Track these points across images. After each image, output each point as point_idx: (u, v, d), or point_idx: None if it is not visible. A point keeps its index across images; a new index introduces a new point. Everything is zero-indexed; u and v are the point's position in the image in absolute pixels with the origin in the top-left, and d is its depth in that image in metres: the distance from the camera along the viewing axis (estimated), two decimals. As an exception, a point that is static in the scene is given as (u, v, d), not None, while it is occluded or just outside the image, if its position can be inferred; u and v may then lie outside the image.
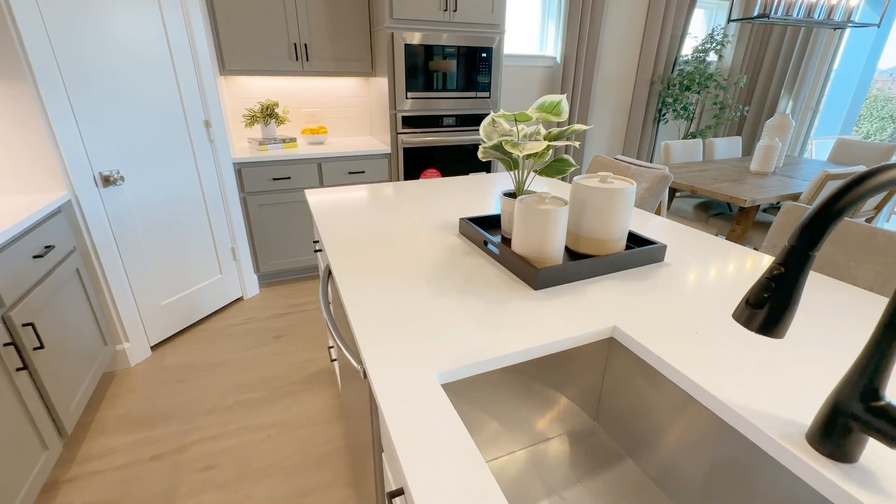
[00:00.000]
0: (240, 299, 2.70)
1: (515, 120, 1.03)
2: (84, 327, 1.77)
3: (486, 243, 1.15)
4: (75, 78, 1.71)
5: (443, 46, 2.66)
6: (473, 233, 1.19)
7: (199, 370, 2.07)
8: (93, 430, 1.72)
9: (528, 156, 1.07)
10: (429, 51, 2.64)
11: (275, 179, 2.58)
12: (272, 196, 2.62)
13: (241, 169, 2.50)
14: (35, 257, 1.48)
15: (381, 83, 2.79)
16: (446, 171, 2.99)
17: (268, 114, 2.69)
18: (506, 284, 0.96)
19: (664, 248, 1.09)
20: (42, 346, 1.40)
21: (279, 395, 1.91)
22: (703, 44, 3.98)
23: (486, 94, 2.89)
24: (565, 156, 1.16)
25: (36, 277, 1.47)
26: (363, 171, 2.78)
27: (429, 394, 0.63)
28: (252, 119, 2.68)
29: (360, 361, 0.77)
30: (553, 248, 0.97)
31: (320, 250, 1.57)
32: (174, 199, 2.18)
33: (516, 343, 0.75)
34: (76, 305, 1.73)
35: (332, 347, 1.82)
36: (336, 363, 1.76)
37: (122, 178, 1.89)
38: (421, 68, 2.66)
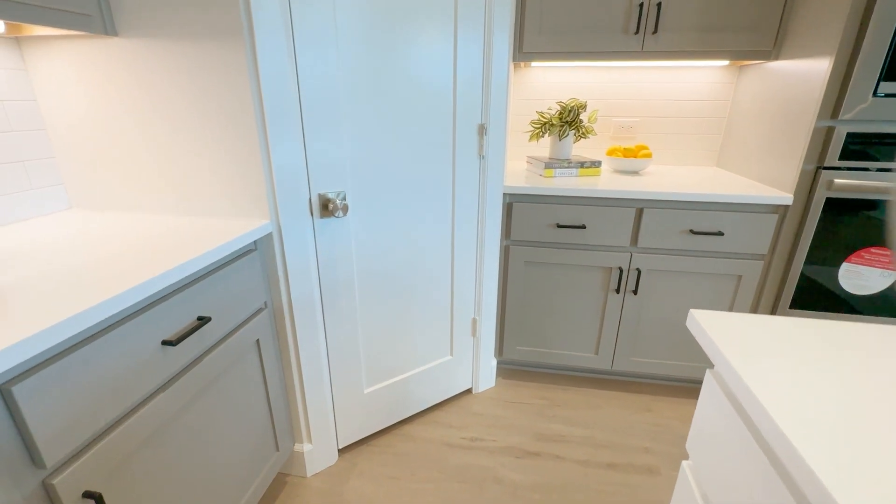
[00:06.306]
0: (467, 392, 1.81)
1: None
2: (248, 430, 1.11)
3: None
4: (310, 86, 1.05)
5: None
6: None
7: (382, 538, 1.21)
8: None
9: None
10: (972, -14, 1.12)
11: (560, 227, 1.56)
12: (550, 252, 1.61)
13: (512, 203, 1.58)
14: (165, 344, 0.81)
15: (785, 72, 1.42)
16: (914, 257, 1.37)
17: (568, 120, 1.70)
18: None
19: None
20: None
21: None
22: None
23: None
24: None
25: (148, 388, 0.80)
26: (720, 233, 1.47)
27: None
28: (542, 128, 1.74)
29: None
30: None
31: None
32: (411, 241, 1.40)
33: None
34: (241, 398, 1.08)
35: None
36: None
37: (344, 207, 1.17)
38: (930, 30, 1.17)
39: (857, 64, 1.23)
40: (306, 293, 1.21)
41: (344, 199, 1.18)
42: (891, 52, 1.20)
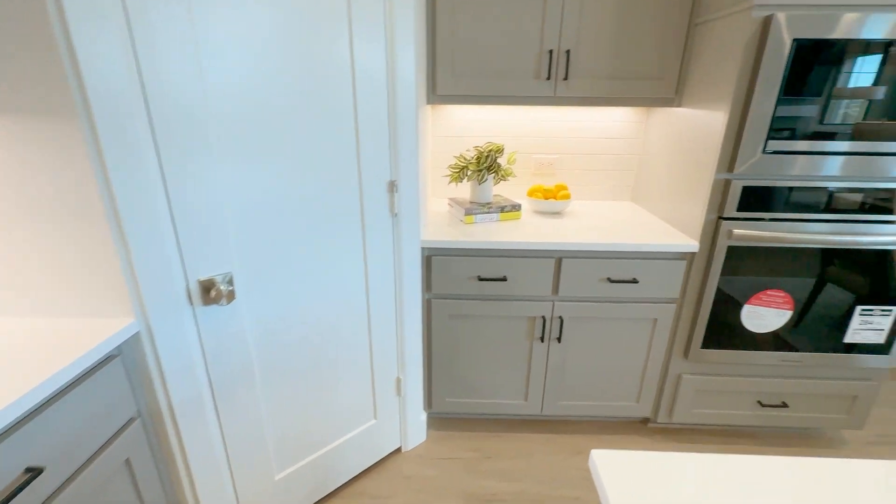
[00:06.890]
0: (397, 451, 1.71)
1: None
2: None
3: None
4: (168, 113, 0.90)
5: (883, 43, 1.19)
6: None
7: None
8: None
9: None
10: (840, 54, 1.20)
11: (481, 280, 1.51)
12: (473, 304, 1.55)
13: (430, 257, 1.50)
14: (-31, 522, 0.64)
15: (688, 119, 1.47)
16: (804, 301, 1.46)
17: (486, 165, 1.65)
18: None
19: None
20: None
21: None
22: None
23: (964, 149, 1.27)
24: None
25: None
26: (635, 281, 1.48)
27: None
28: (460, 173, 1.68)
29: None
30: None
31: None
32: (319, 311, 1.28)
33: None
34: (107, 535, 0.91)
35: None
36: None
37: (230, 294, 1.03)
38: (807, 91, 1.24)
39: (748, 121, 1.28)
40: (191, 392, 1.05)
41: (230, 282, 1.04)
42: (776, 110, 1.26)
